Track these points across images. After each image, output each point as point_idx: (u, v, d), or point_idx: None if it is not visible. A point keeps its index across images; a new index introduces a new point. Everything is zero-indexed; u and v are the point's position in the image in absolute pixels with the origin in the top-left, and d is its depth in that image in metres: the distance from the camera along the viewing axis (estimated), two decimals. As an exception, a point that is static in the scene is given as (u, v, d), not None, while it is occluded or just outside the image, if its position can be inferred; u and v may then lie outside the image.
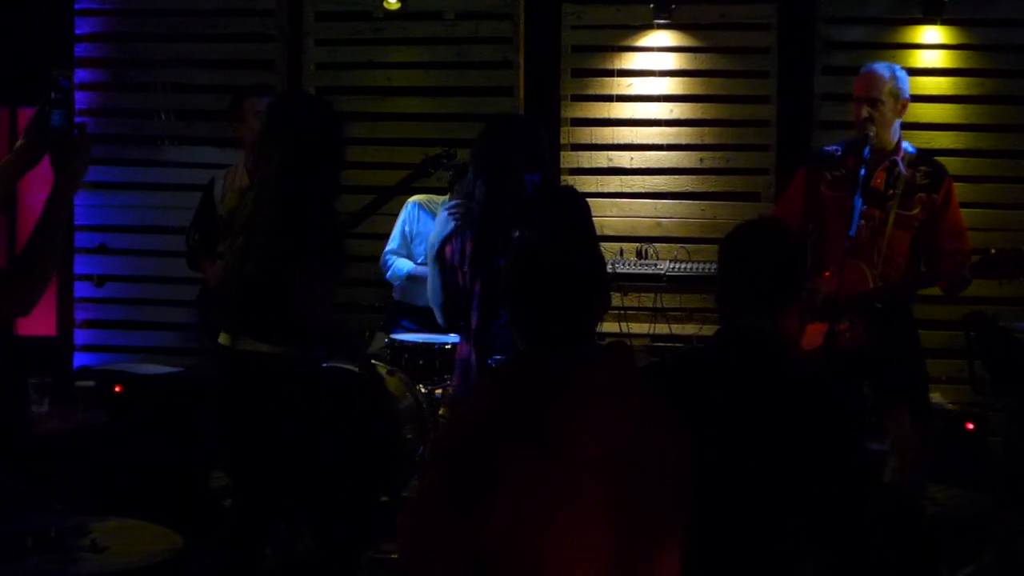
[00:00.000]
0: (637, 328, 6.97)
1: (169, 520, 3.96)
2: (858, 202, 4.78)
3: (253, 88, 6.03)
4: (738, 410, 3.34)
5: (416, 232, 6.65)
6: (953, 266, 4.86)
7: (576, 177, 7.11)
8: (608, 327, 6.70)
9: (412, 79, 7.50)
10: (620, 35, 7.36)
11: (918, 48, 7.10)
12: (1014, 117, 7.08)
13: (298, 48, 7.50)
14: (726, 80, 7.29)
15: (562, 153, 7.19)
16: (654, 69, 7.31)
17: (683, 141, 7.31)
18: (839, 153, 5.14)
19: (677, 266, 6.82)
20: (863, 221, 4.80)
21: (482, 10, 7.42)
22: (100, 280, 7.57)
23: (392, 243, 6.66)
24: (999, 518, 4.26)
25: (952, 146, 6.94)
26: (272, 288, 4.21)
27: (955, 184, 5.46)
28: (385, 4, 7.25)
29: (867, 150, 4.86)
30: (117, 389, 5.96)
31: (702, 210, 7.27)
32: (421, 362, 6.13)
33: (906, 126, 6.55)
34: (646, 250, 7.02)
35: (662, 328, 6.94)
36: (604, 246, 5.95)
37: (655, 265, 6.89)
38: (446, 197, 6.46)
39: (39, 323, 7.15)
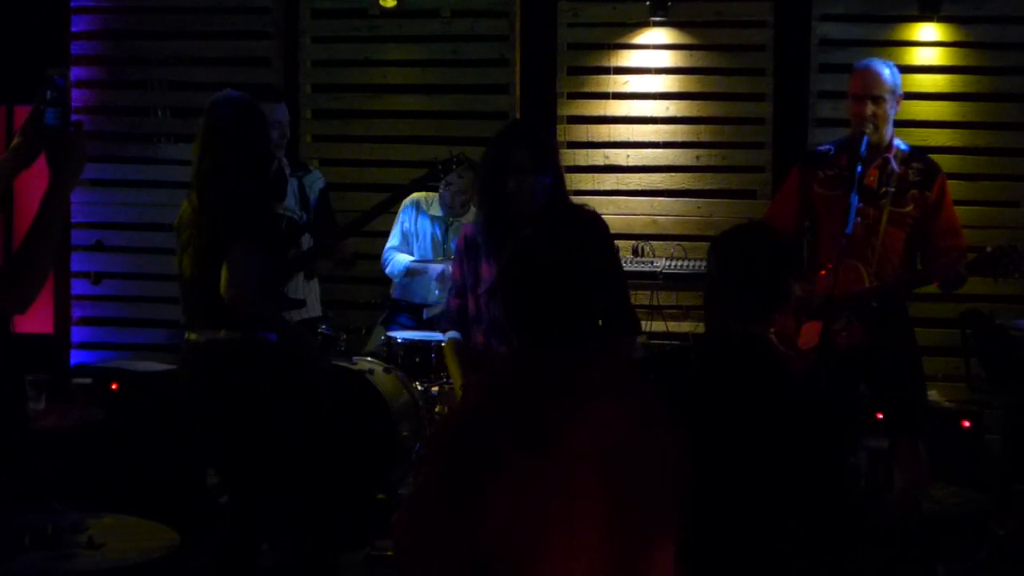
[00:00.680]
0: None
1: (166, 517, 3.97)
2: (854, 199, 4.78)
3: (266, 88, 6.03)
4: (719, 411, 3.35)
5: (414, 231, 6.67)
6: (949, 263, 4.86)
7: (572, 175, 7.09)
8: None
9: (408, 76, 7.50)
10: (616, 33, 7.37)
11: (914, 45, 7.12)
12: (1010, 115, 7.09)
13: (294, 45, 7.51)
14: (722, 78, 7.30)
15: (560, 151, 7.18)
16: (650, 67, 7.33)
17: (679, 139, 7.32)
18: (832, 152, 5.15)
19: (673, 264, 6.84)
20: (858, 219, 4.80)
21: (478, 7, 7.43)
22: (97, 277, 7.58)
23: (393, 240, 6.68)
24: (996, 516, 4.26)
25: (948, 143, 6.96)
26: (213, 275, 4.34)
27: (951, 182, 5.47)
28: (381, 2, 7.24)
29: (864, 147, 4.87)
30: (114, 386, 5.97)
31: (698, 208, 7.28)
32: (417, 359, 6.14)
33: (902, 123, 6.57)
34: (642, 248, 7.04)
35: (658, 325, 6.95)
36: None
37: (651, 263, 6.92)
38: (436, 195, 6.48)
39: (36, 320, 7.15)
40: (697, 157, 7.30)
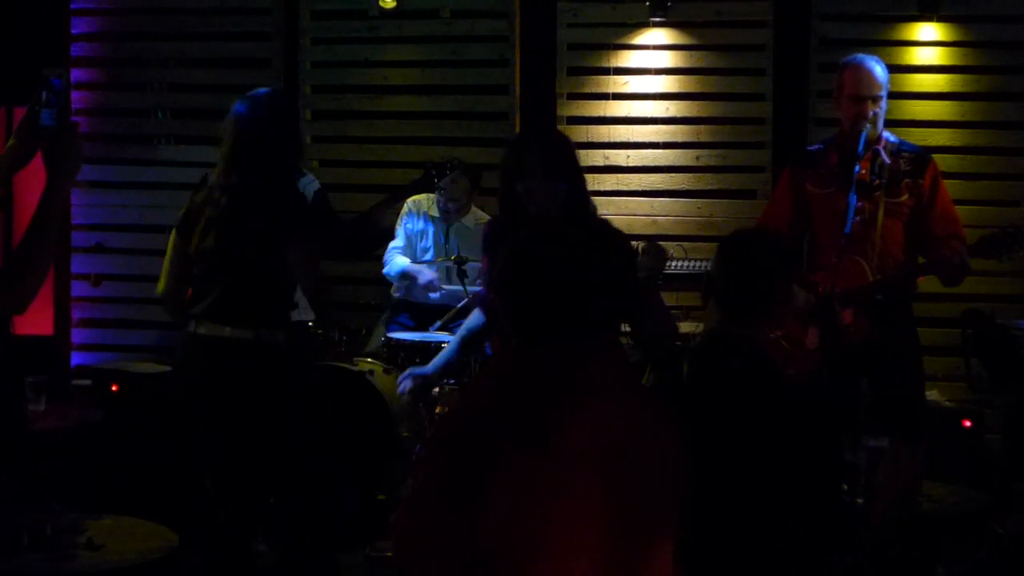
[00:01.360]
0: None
1: (164, 518, 3.98)
2: (852, 198, 4.80)
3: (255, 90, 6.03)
4: (707, 411, 3.36)
5: (417, 233, 6.69)
6: (950, 252, 4.85)
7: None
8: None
9: (408, 77, 7.51)
10: (616, 33, 7.37)
11: (914, 45, 7.13)
12: (1009, 114, 7.09)
13: (294, 47, 7.52)
14: (722, 78, 7.31)
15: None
16: (650, 67, 7.33)
17: (679, 139, 7.33)
18: (822, 150, 5.18)
19: (674, 264, 6.82)
20: (856, 217, 4.81)
21: (478, 8, 7.45)
22: (97, 279, 7.59)
23: (397, 241, 6.68)
24: (997, 515, 4.26)
25: (948, 143, 6.97)
26: (256, 271, 4.37)
27: (952, 182, 5.48)
28: (381, 3, 7.26)
29: (862, 144, 4.87)
30: (114, 388, 5.99)
31: (698, 208, 7.29)
32: (417, 360, 6.13)
33: (903, 123, 6.60)
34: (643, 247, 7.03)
35: (659, 325, 6.95)
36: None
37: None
38: (433, 197, 6.49)
39: (36, 322, 7.16)
40: (697, 157, 7.31)
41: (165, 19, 7.64)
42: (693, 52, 7.32)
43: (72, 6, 7.35)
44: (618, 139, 7.30)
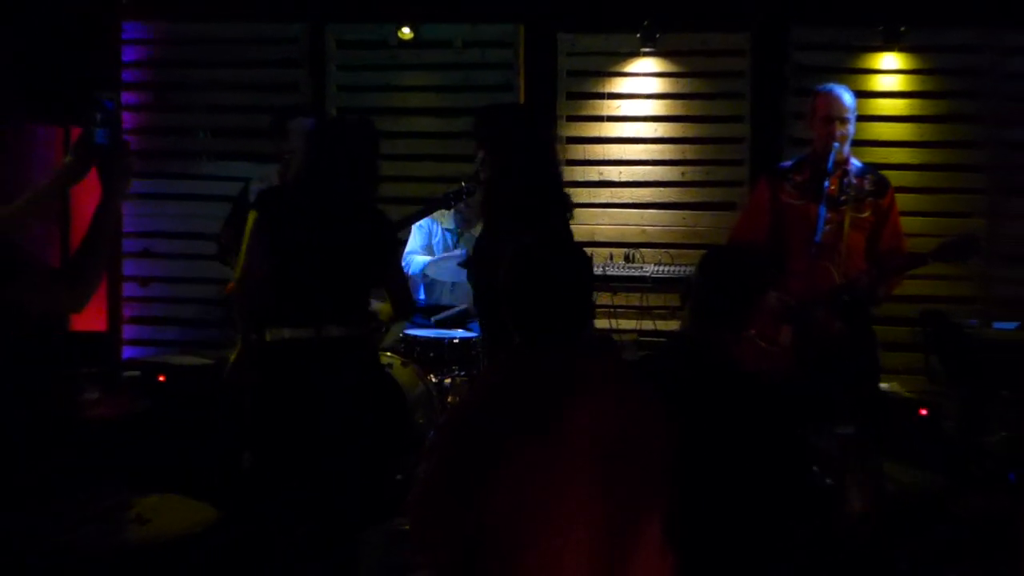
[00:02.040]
0: (626, 324, 7.00)
1: (205, 495, 3.98)
2: (822, 210, 4.83)
3: (294, 110, 6.01)
4: (683, 406, 3.35)
5: (430, 239, 6.68)
6: (900, 266, 4.94)
7: (571, 189, 7.10)
8: (600, 324, 6.72)
9: (424, 100, 7.51)
10: (610, 61, 7.37)
11: (878, 73, 7.14)
12: (963, 134, 7.10)
13: (321, 72, 7.52)
14: (705, 102, 7.31)
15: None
16: (640, 92, 7.34)
17: (666, 157, 7.33)
18: (793, 165, 5.19)
19: (661, 269, 6.83)
20: (826, 227, 4.83)
21: (487, 39, 7.44)
22: (145, 281, 7.61)
23: (412, 244, 6.67)
24: (953, 495, 4.25)
25: (908, 161, 6.97)
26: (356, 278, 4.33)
27: (911, 196, 5.50)
28: (400, 34, 7.29)
29: (831, 162, 4.89)
30: (160, 379, 5.98)
31: (683, 219, 7.29)
32: (431, 354, 6.15)
33: (868, 143, 6.61)
34: (633, 255, 7.03)
35: (648, 325, 6.95)
36: (596, 251, 5.94)
37: (641, 268, 6.92)
38: (450, 210, 6.48)
39: (91, 319, 7.17)
40: (683, 173, 7.31)
41: (205, 48, 7.65)
42: (679, 79, 7.31)
43: (123, 36, 7.35)
44: (612, 157, 7.31)
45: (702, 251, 6.70)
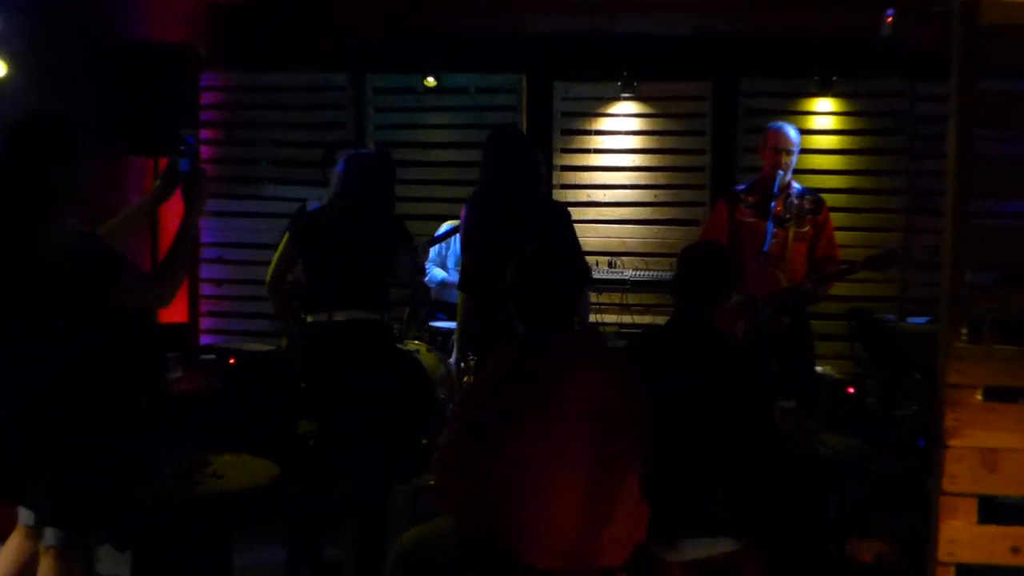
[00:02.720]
0: (609, 318, 7.02)
1: (268, 455, 3.98)
2: (770, 226, 4.83)
3: (340, 145, 6.03)
4: (690, 361, 3.36)
5: (447, 252, 6.67)
6: (834, 274, 4.94)
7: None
8: (589, 318, 6.74)
9: (444, 136, 7.51)
10: (596, 104, 7.38)
11: (814, 114, 7.15)
12: (884, 165, 7.12)
13: (362, 113, 7.53)
14: (673, 137, 7.31)
15: (555, 191, 7.23)
16: (621, 130, 7.35)
17: (642, 182, 7.33)
18: (746, 188, 5.19)
19: (638, 273, 6.90)
20: (773, 240, 4.83)
21: (495, 86, 7.45)
22: (219, 282, 7.62)
23: (431, 256, 6.68)
24: (873, 457, 4.26)
25: (839, 186, 6.97)
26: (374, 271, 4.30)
27: (842, 214, 5.51)
28: (425, 82, 7.30)
29: (777, 187, 4.90)
30: (231, 361, 6.00)
31: (656, 233, 7.30)
32: (451, 343, 6.16)
33: (808, 171, 6.62)
34: (615, 262, 7.08)
35: (627, 318, 6.99)
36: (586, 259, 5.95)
37: (621, 273, 6.97)
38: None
39: (175, 313, 7.17)
40: (655, 195, 7.31)
41: (267, 94, 7.66)
42: (652, 118, 7.32)
43: (202, 84, 7.36)
44: (597, 182, 7.31)
45: (671, 259, 6.76)
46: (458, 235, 6.46)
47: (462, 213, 4.77)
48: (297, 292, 4.82)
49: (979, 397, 1.80)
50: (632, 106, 7.35)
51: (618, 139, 7.36)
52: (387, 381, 4.38)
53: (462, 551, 3.01)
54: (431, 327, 6.34)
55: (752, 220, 4.98)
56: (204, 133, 7.50)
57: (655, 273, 6.97)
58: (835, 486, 4.10)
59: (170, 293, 3.10)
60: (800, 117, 7.00)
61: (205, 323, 7.63)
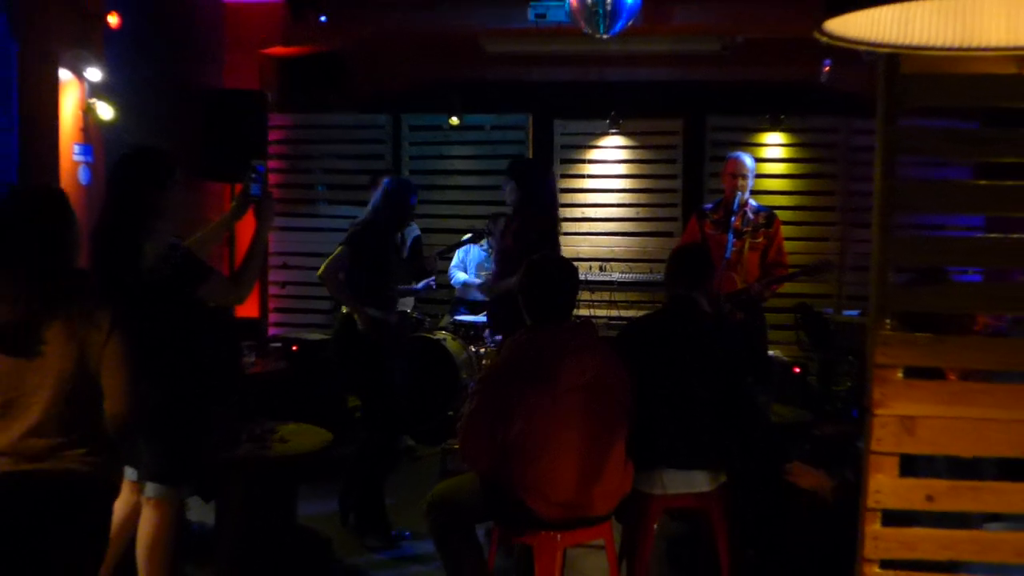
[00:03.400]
0: (599, 312, 7.01)
1: (323, 424, 4.00)
2: (730, 237, 4.81)
3: (381, 172, 6.04)
4: (681, 336, 3.37)
5: (468, 257, 6.68)
6: (778, 279, 4.92)
7: (564, 222, 7.16)
8: (583, 312, 6.75)
9: (465, 165, 7.52)
10: (588, 138, 7.39)
11: (766, 146, 7.15)
12: (824, 187, 7.13)
13: (399, 146, 7.55)
14: (652, 164, 7.32)
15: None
16: (609, 159, 7.35)
17: (626, 202, 7.33)
18: (712, 207, 5.18)
19: (623, 276, 6.91)
20: (733, 249, 4.82)
21: (506, 124, 7.46)
22: (283, 284, 7.65)
23: (455, 261, 6.69)
24: (815, 424, 4.25)
25: (787, 204, 6.96)
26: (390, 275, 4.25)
27: (789, 227, 5.49)
28: (450, 121, 7.32)
29: (736, 205, 4.89)
30: (294, 348, 6.03)
31: (637, 242, 7.29)
32: (472, 333, 6.18)
33: (762, 192, 6.59)
34: (605, 266, 7.08)
35: (614, 313, 6.98)
36: (579, 264, 5.95)
37: (610, 276, 6.98)
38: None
39: (249, 309, 7.21)
40: (637, 212, 7.31)
41: (322, 131, 7.69)
42: (634, 149, 7.32)
43: (269, 124, 7.40)
44: (590, 201, 7.30)
45: (650, 263, 6.74)
46: (478, 244, 6.55)
47: (495, 225, 4.65)
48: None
49: (900, 375, 1.80)
50: (618, 140, 7.35)
51: (607, 167, 7.35)
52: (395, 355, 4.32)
53: (482, 501, 3.02)
54: (455, 320, 6.35)
55: (716, 232, 4.97)
56: (271, 163, 7.53)
57: (638, 276, 7.01)
58: (786, 446, 4.10)
59: (245, 293, 3.11)
60: (755, 148, 6.99)
61: (273, 317, 7.65)
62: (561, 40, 7.54)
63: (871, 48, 1.28)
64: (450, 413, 5.80)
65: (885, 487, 1.78)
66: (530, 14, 5.28)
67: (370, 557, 3.93)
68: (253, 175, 3.24)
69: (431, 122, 7.52)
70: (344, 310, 4.28)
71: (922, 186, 1.78)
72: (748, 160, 5.04)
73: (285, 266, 7.65)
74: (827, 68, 7.13)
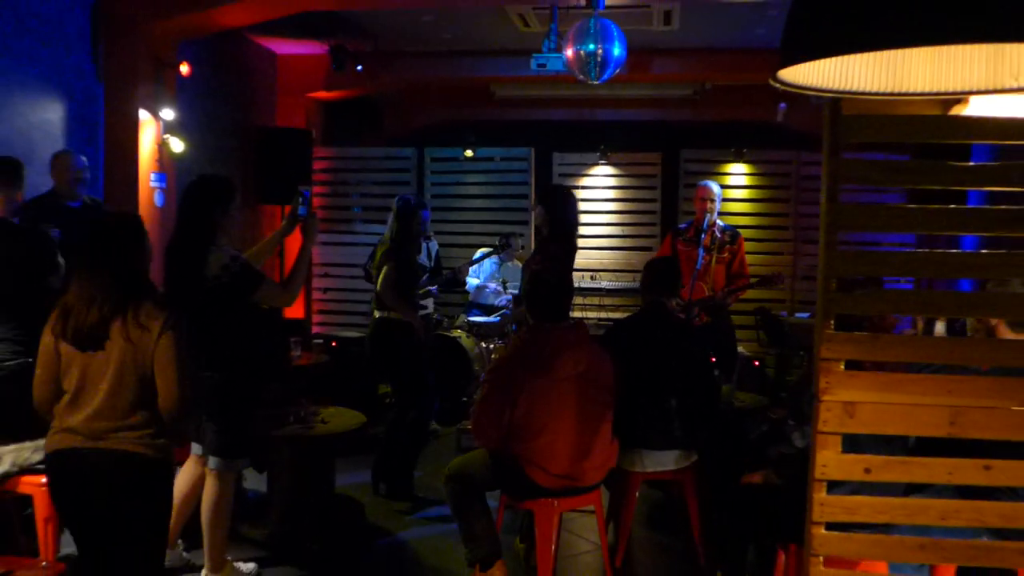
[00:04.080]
0: (591, 314, 7.00)
1: (358, 407, 3.99)
2: (700, 252, 4.79)
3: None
4: (654, 335, 3.36)
5: (483, 269, 6.68)
6: (743, 284, 4.89)
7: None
8: (576, 314, 6.73)
9: (478, 191, 7.52)
10: (582, 168, 7.39)
11: (731, 175, 7.13)
12: (778, 209, 7.11)
13: (422, 175, 7.55)
14: (634, 190, 7.32)
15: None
16: (599, 185, 7.35)
17: (613, 221, 7.32)
18: (685, 227, 5.16)
19: (610, 284, 6.89)
20: (703, 262, 4.81)
21: (513, 156, 7.46)
22: (325, 290, 7.66)
23: (471, 272, 6.68)
24: (771, 409, 4.24)
25: (749, 223, 6.96)
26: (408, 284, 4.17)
27: (750, 243, 5.47)
28: (465, 154, 7.33)
29: (706, 225, 4.87)
30: (333, 344, 6.03)
31: (622, 255, 7.30)
32: (483, 331, 6.16)
33: (728, 213, 6.59)
34: (595, 276, 7.07)
35: (603, 314, 6.97)
36: (574, 274, 5.95)
37: (599, 283, 6.96)
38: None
39: (296, 311, 7.22)
40: (622, 230, 7.31)
41: (358, 162, 7.70)
42: (620, 178, 7.32)
43: (313, 156, 7.43)
44: (583, 221, 7.23)
45: (633, 273, 6.71)
46: (491, 257, 6.55)
47: (508, 241, 4.55)
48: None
49: (842, 367, 1.81)
50: (607, 169, 7.35)
51: (597, 191, 7.35)
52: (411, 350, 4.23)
53: (491, 473, 3.02)
54: (468, 320, 6.34)
55: (688, 249, 4.95)
56: (315, 189, 7.55)
57: (623, 284, 6.99)
58: (747, 429, 4.09)
59: (293, 297, 3.12)
60: (721, 177, 7.00)
61: (316, 318, 7.65)
62: (559, 86, 7.57)
63: (818, 93, 1.29)
64: (464, 399, 5.80)
65: (830, 461, 1.78)
66: (532, 64, 5.28)
67: (398, 519, 3.93)
68: (300, 199, 3.25)
69: (449, 154, 7.53)
70: (378, 314, 4.24)
71: (861, 209, 1.78)
72: (716, 187, 5.03)
73: (327, 275, 7.66)
74: (782, 110, 7.15)
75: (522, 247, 6.81)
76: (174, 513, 3.15)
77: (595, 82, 4.96)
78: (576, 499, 3.03)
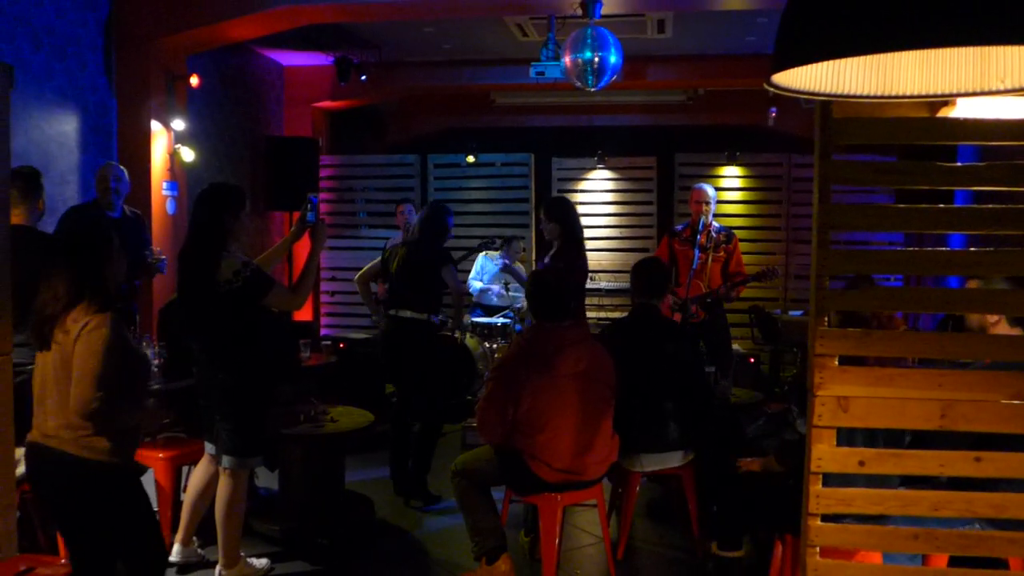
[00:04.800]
0: (590, 314, 6.97)
1: (365, 407, 3.99)
2: (697, 252, 4.78)
3: (403, 200, 6.05)
4: (643, 339, 3.35)
5: (483, 269, 6.66)
6: (739, 282, 4.88)
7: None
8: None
9: (481, 194, 7.52)
10: (580, 172, 7.39)
11: (725, 177, 7.13)
12: (771, 210, 7.09)
13: (426, 179, 7.56)
14: (631, 193, 7.32)
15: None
16: (596, 189, 7.35)
17: (611, 223, 7.33)
18: (681, 228, 5.15)
19: (609, 284, 6.88)
20: (699, 261, 4.80)
21: (513, 162, 7.45)
22: (332, 293, 7.66)
23: (473, 273, 6.67)
24: (766, 403, 4.23)
25: (742, 224, 6.95)
26: (420, 283, 4.13)
27: (744, 243, 5.46)
28: (467, 160, 7.33)
29: (701, 226, 4.86)
30: (341, 345, 6.02)
31: (619, 257, 7.29)
32: (487, 332, 6.15)
33: (722, 214, 6.59)
34: (594, 277, 7.06)
35: (602, 314, 6.96)
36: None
37: (598, 284, 6.95)
38: (496, 251, 6.47)
39: (305, 314, 7.23)
40: (620, 232, 7.31)
41: (363, 169, 7.71)
42: (617, 181, 7.32)
43: (321, 163, 7.44)
44: (581, 224, 7.29)
45: (634, 264, 6.60)
46: (495, 259, 6.53)
47: (509, 245, 4.46)
48: (380, 299, 4.81)
49: (836, 363, 1.80)
50: (604, 173, 7.35)
51: (595, 195, 7.34)
52: (425, 353, 4.21)
53: (496, 468, 3.01)
54: (474, 321, 6.34)
55: (684, 249, 4.94)
56: (322, 195, 7.56)
57: (621, 285, 6.98)
58: (743, 423, 4.09)
59: (302, 301, 3.11)
60: (716, 179, 7.00)
61: (324, 320, 7.67)
62: (557, 93, 7.57)
63: (809, 97, 1.29)
64: (469, 397, 5.79)
65: (825, 455, 1.77)
66: (531, 72, 5.28)
67: (407, 514, 3.92)
68: (308, 205, 3.24)
69: (451, 161, 7.53)
70: (391, 313, 4.20)
71: (851, 209, 1.78)
72: (710, 190, 5.03)
73: (334, 279, 7.66)
74: (773, 114, 7.15)
75: (523, 249, 6.81)
76: (188, 510, 3.16)
77: (592, 89, 4.96)
78: (579, 493, 3.02)
